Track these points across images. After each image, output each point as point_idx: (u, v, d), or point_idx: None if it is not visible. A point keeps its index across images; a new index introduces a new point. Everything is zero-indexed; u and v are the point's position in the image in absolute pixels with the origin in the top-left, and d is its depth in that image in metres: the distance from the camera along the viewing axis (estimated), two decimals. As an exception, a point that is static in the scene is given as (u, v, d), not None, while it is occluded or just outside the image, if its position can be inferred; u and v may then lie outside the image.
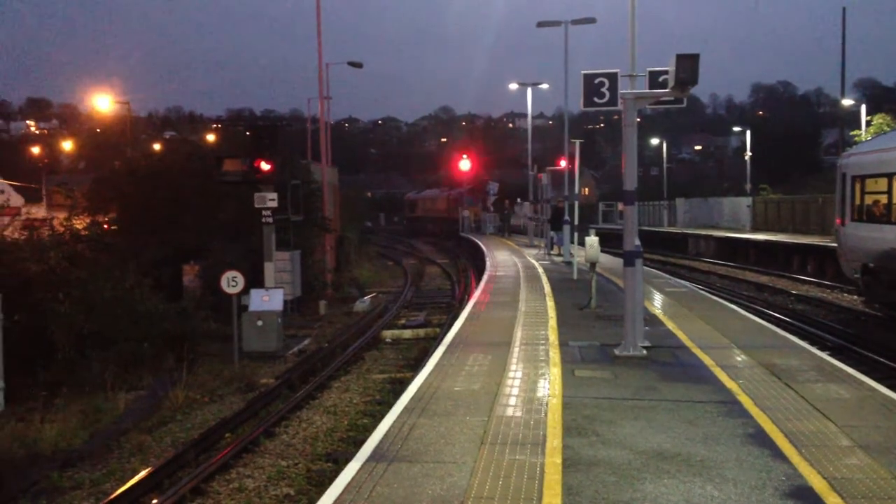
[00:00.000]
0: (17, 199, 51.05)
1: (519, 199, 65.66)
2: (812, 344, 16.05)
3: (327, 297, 31.57)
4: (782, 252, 40.64)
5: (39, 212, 44.35)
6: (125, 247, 25.37)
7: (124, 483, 11.65)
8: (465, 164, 69.73)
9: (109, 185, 31.00)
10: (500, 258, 35.64)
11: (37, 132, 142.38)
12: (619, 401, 10.23)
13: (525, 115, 53.15)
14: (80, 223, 26.37)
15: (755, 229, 53.06)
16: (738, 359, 12.82)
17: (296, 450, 13.18)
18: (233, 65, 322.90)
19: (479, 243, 46.10)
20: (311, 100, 62.53)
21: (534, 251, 40.05)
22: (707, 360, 12.70)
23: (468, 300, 23.71)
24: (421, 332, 24.22)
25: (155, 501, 10.90)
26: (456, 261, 50.08)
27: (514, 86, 48.75)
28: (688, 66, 11.88)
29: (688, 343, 14.19)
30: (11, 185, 60.11)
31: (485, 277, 27.49)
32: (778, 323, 20.23)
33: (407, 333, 24.23)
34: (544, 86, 48.57)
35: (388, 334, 24.08)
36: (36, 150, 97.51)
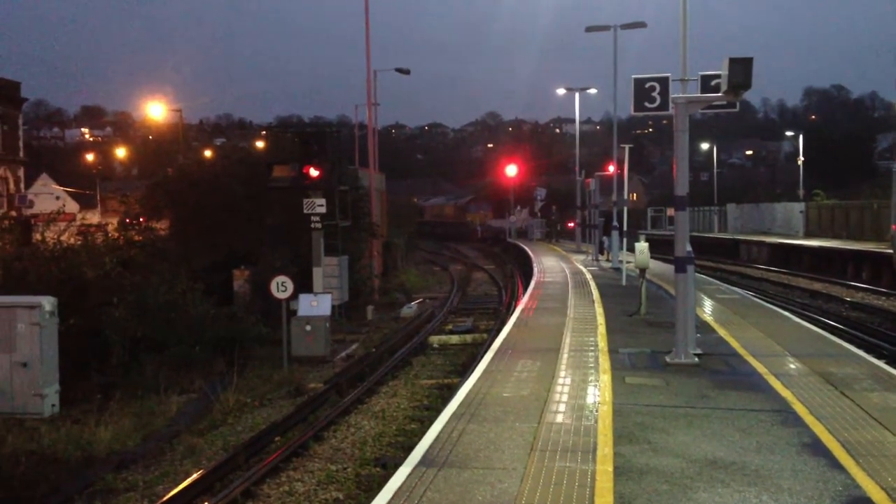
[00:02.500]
0: (72, 206, 52.13)
1: (519, 207, 69.34)
2: (868, 352, 15.73)
3: (374, 303, 31.70)
4: (836, 258, 39.91)
5: (94, 218, 45.22)
6: (177, 252, 25.74)
7: (177, 485, 11.80)
8: (511, 170, 69.62)
9: (162, 192, 31.47)
10: (548, 264, 35.52)
11: (91, 140, 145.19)
12: (672, 408, 10.12)
13: (573, 121, 52.95)
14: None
15: (808, 235, 52.20)
16: (793, 367, 12.61)
17: (345, 454, 13.23)
18: (281, 72, 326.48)
19: (527, 249, 45.99)
20: (358, 106, 63.01)
21: (581, 257, 39.86)
22: (761, 367, 12.51)
23: (515, 306, 23.66)
24: (468, 337, 24.19)
25: (207, 504, 11.03)
26: (503, 267, 50.00)
27: (561, 91, 48.53)
28: (741, 69, 11.75)
29: (740, 351, 14.00)
30: (67, 191, 61.37)
31: (532, 283, 27.41)
32: (832, 330, 19.85)
33: (454, 339, 24.21)
34: (592, 91, 48.25)
35: (436, 340, 24.08)
36: (90, 157, 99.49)
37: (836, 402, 10.30)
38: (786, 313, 19.83)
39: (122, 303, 20.08)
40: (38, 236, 23.57)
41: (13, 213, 36.17)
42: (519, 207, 72.09)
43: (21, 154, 57.08)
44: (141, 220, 29.99)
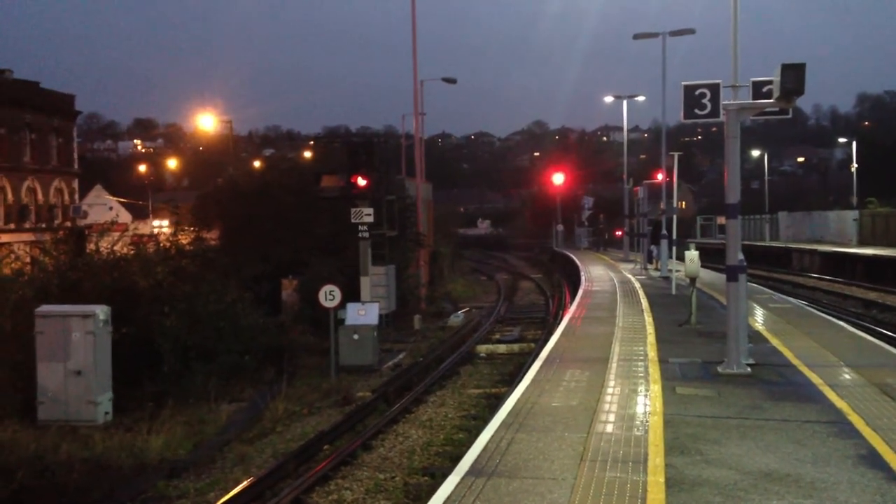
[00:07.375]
0: (125, 216, 53.08)
1: (481, 219, 76.16)
2: (927, 363, 15.35)
3: (421, 312, 31.72)
4: (891, 267, 39.05)
5: (146, 228, 45.98)
6: (227, 262, 26.01)
7: (227, 493, 11.90)
8: (558, 179, 69.42)
9: (212, 202, 31.88)
10: (595, 273, 35.27)
11: (143, 151, 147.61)
12: (724, 419, 9.96)
13: (620, 128, 52.58)
14: (184, 238, 27.15)
15: (862, 244, 51.17)
16: (848, 377, 12.35)
17: (393, 463, 13.25)
18: (329, 83, 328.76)
19: (573, 258, 45.74)
20: (405, 116, 63.31)
21: (629, 266, 39.52)
22: (815, 378, 12.28)
23: (563, 315, 23.53)
24: (515, 346, 24.11)
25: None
26: (550, 276, 49.79)
27: (609, 98, 48.18)
28: (794, 75, 11.57)
29: (794, 361, 13.76)
30: (120, 202, 62.52)
31: (580, 292, 27.22)
32: (888, 340, 19.41)
33: (502, 348, 24.15)
34: (640, 98, 47.81)
35: (483, 349, 24.03)
36: (142, 168, 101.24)
37: (894, 414, 10.06)
38: (840, 323, 19.46)
39: (174, 312, 20.33)
40: (91, 246, 23.95)
41: (68, 224, 36.89)
42: (481, 219, 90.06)
43: (75, 166, 58.17)
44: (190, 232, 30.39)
